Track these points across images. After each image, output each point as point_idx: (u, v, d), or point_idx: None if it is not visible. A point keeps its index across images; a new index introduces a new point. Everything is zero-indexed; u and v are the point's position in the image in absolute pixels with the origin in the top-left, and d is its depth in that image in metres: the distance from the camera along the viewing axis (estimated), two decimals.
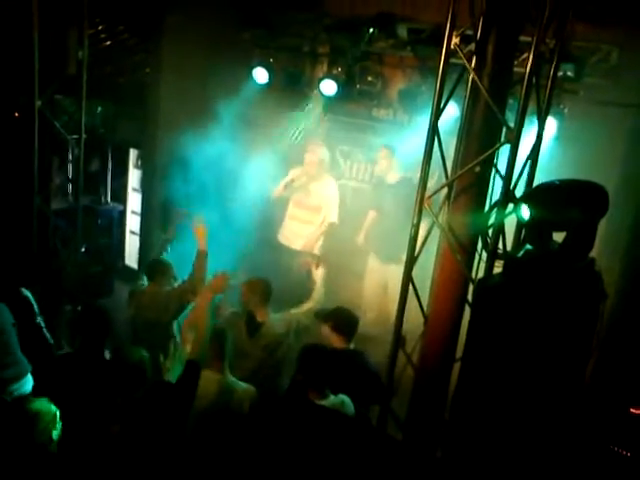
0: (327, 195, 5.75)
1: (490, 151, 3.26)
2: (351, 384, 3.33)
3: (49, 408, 2.55)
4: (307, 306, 4.16)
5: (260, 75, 5.76)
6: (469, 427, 2.90)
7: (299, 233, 5.84)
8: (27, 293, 3.95)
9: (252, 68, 5.75)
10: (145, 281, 4.33)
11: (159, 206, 6.15)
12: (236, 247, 5.07)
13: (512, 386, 2.73)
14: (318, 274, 4.66)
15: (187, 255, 4.30)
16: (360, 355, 3.75)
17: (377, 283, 5.74)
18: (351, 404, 3.25)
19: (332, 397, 3.16)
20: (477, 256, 3.48)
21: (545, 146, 3.76)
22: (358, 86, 5.71)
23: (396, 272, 5.50)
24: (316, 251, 5.83)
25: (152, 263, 4.42)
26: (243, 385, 3.38)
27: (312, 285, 4.42)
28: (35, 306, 3.96)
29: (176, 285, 4.24)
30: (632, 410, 4.04)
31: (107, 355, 3.45)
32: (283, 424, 2.91)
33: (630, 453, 3.87)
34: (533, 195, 2.88)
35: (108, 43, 6.26)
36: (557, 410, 2.76)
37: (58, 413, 2.57)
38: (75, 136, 5.30)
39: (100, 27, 6.15)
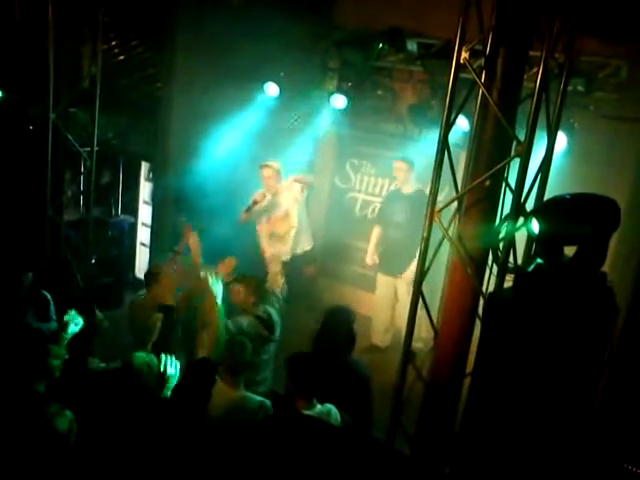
0: (291, 198, 5.78)
1: (500, 165, 3.26)
2: (338, 390, 3.29)
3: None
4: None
5: (271, 89, 5.82)
6: (479, 443, 2.86)
7: (282, 245, 5.80)
8: (47, 295, 4.03)
9: (263, 82, 5.81)
10: (144, 291, 4.36)
11: (171, 220, 6.16)
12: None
13: (522, 401, 2.70)
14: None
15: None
16: (349, 359, 3.71)
17: (387, 296, 5.72)
18: (337, 413, 3.22)
19: (319, 406, 3.14)
20: (487, 270, 3.47)
21: (555, 160, 3.75)
22: (368, 100, 5.75)
23: (404, 285, 5.52)
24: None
25: (148, 271, 4.45)
26: (258, 399, 3.33)
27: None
28: (52, 309, 4.04)
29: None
30: None
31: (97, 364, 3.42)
32: (271, 436, 2.88)
33: None
34: (543, 209, 2.87)
35: (122, 58, 6.36)
36: (569, 425, 2.72)
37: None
38: (87, 148, 5.37)
39: (114, 42, 6.25)
